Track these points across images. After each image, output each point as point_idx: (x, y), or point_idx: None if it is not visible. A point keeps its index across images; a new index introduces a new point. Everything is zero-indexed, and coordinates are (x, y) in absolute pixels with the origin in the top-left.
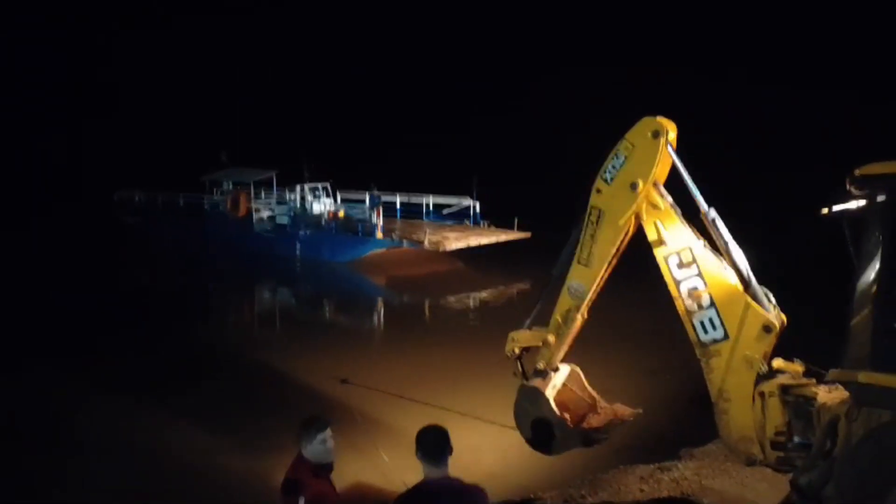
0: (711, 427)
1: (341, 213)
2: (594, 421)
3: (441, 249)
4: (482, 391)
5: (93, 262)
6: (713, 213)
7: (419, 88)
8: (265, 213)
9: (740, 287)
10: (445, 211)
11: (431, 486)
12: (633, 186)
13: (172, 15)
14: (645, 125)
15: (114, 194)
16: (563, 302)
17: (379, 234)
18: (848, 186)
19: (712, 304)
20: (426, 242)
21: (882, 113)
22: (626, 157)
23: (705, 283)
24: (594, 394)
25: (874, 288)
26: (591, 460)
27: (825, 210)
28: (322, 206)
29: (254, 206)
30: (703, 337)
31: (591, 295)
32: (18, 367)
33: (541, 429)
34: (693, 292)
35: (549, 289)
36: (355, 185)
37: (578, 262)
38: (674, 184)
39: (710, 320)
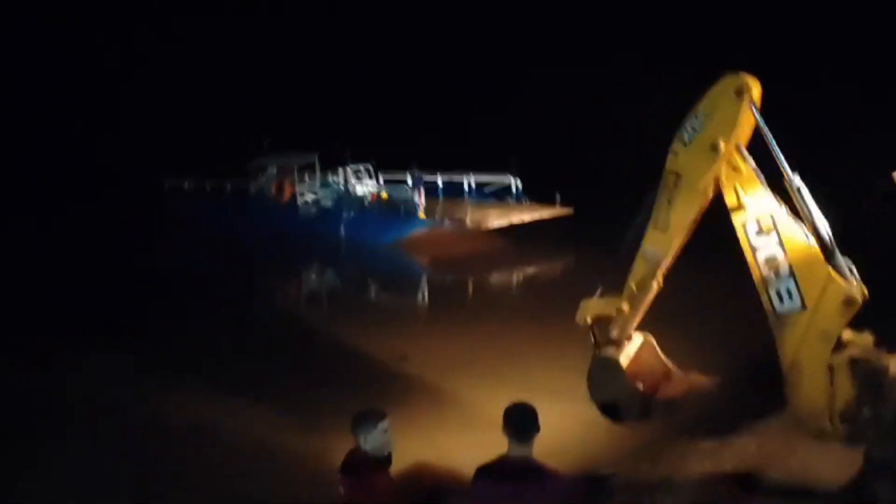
0: (773, 401)
1: (384, 195)
2: (670, 390)
3: (483, 227)
4: (539, 365)
5: (145, 249)
6: (798, 180)
7: (450, 71)
8: (309, 197)
9: (822, 257)
10: (487, 189)
11: (509, 464)
12: (714, 147)
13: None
14: (728, 82)
15: (163, 183)
16: (638, 268)
17: (421, 214)
18: None
19: (791, 273)
20: (468, 221)
21: None
22: (706, 117)
23: (785, 252)
24: (668, 363)
25: None
26: (649, 434)
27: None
28: (365, 187)
29: (298, 189)
30: (778, 307)
31: (667, 262)
32: (78, 349)
33: (615, 398)
34: (771, 261)
35: (622, 255)
36: (395, 165)
37: (655, 228)
38: (755, 147)
39: (788, 290)
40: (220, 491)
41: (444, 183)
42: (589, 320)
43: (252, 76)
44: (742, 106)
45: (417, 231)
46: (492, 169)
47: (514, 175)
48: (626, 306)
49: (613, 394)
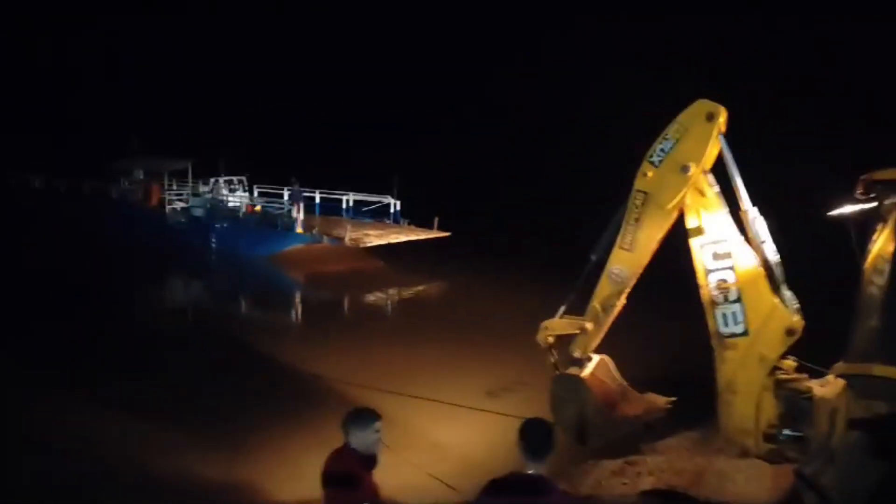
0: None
1: (258, 208)
2: (627, 410)
3: (361, 246)
4: (436, 379)
5: None
6: (755, 212)
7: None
8: (178, 205)
9: (769, 287)
10: (365, 209)
11: (522, 480)
12: (685, 169)
13: None
14: (699, 107)
15: (6, 176)
16: (603, 288)
17: (299, 229)
18: (857, 190)
19: (739, 299)
20: (347, 238)
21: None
22: (676, 140)
23: (736, 278)
24: (624, 383)
25: (886, 287)
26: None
27: (833, 212)
28: (238, 199)
29: (167, 196)
30: (722, 329)
31: (632, 281)
32: None
33: (581, 417)
34: (722, 284)
35: (582, 276)
36: (271, 180)
37: (621, 248)
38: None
39: (734, 314)
40: None
41: (321, 200)
42: (551, 340)
43: (123, 76)
44: (713, 130)
45: (294, 246)
46: (369, 190)
47: (394, 196)
48: (589, 325)
49: (579, 413)
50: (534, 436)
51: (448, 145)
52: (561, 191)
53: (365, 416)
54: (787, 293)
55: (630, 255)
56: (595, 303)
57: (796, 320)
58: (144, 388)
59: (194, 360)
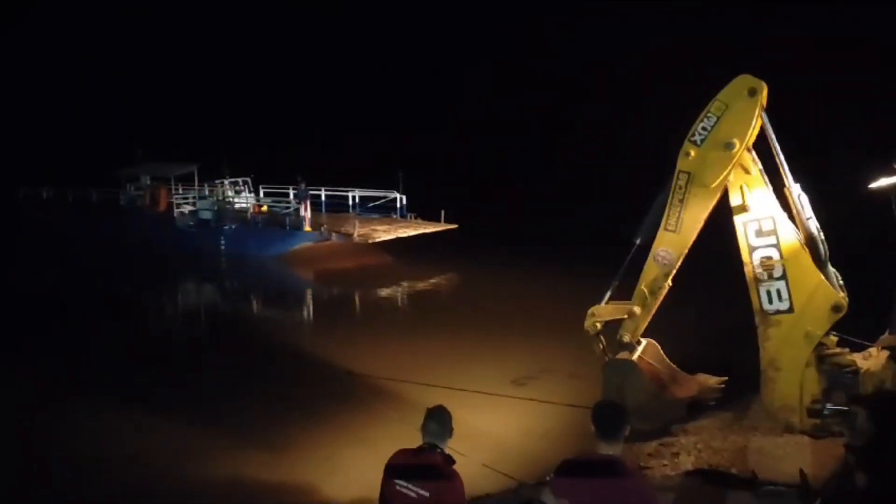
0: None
1: (264, 208)
2: (679, 392)
3: (370, 241)
4: (460, 370)
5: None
6: (798, 189)
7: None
8: (186, 209)
9: (814, 264)
10: (371, 204)
11: (596, 461)
12: (729, 146)
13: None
14: (741, 82)
15: (18, 191)
16: (650, 271)
17: (307, 228)
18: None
19: (784, 276)
20: (355, 235)
21: None
22: (718, 118)
23: (781, 255)
24: (673, 365)
25: None
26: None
27: (874, 185)
28: (245, 200)
29: (174, 200)
30: (766, 306)
31: (678, 262)
32: None
33: (638, 402)
34: (766, 261)
35: (628, 261)
36: (274, 180)
37: (666, 230)
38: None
39: (778, 291)
40: None
41: (326, 197)
42: (599, 326)
43: (123, 85)
44: (756, 105)
45: (303, 244)
46: (373, 186)
47: (400, 191)
48: (637, 309)
49: (635, 398)
50: (607, 417)
51: (452, 140)
52: (569, 184)
53: (448, 414)
54: (831, 270)
55: (676, 237)
56: (642, 286)
57: (842, 297)
58: (178, 396)
59: (222, 364)
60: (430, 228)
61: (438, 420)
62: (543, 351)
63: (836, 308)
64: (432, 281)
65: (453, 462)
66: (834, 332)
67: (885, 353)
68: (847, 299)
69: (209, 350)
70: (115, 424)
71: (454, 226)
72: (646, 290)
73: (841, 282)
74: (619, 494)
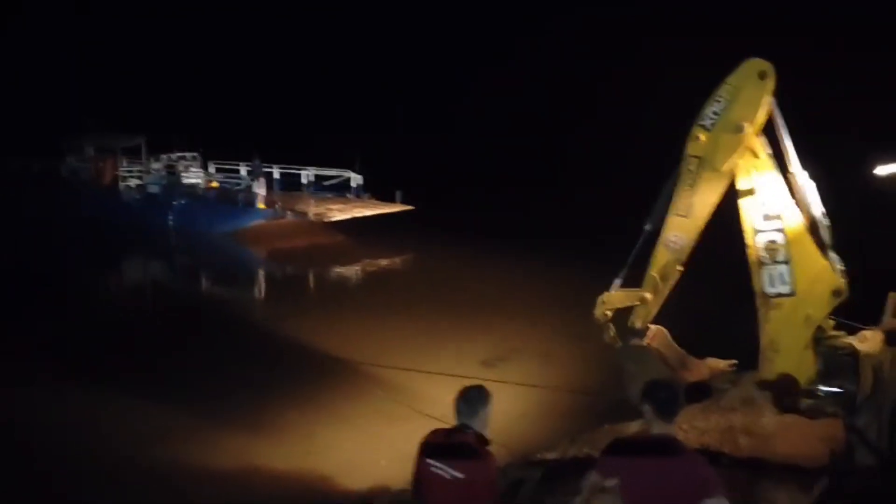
0: None
1: (214, 184)
2: (689, 377)
3: (326, 220)
4: (427, 352)
5: None
6: (804, 174)
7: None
8: (133, 182)
9: (818, 249)
10: (326, 183)
11: (651, 440)
12: (739, 129)
13: None
14: (751, 65)
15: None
16: (661, 257)
17: (260, 205)
18: None
19: (787, 260)
20: (310, 214)
21: None
22: (728, 101)
23: (785, 239)
24: (682, 350)
25: None
26: (571, 422)
27: (880, 170)
28: (195, 175)
29: (120, 174)
30: (768, 289)
31: (690, 247)
32: None
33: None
34: (770, 245)
35: (639, 247)
36: (224, 156)
37: (677, 215)
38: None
39: (781, 275)
40: None
41: (281, 175)
42: (609, 314)
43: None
44: (766, 88)
45: (255, 222)
46: (329, 165)
47: (356, 171)
48: (649, 295)
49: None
50: (661, 395)
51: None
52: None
53: (486, 393)
54: (833, 255)
55: (686, 222)
56: (653, 272)
57: (843, 282)
58: (152, 381)
59: (192, 347)
60: (386, 209)
61: (466, 400)
62: (508, 330)
63: (836, 293)
64: (387, 261)
65: (486, 442)
66: (831, 316)
67: (880, 336)
68: (848, 284)
69: (164, 331)
70: (80, 408)
71: (411, 207)
72: (657, 276)
73: (842, 267)
74: (678, 474)
